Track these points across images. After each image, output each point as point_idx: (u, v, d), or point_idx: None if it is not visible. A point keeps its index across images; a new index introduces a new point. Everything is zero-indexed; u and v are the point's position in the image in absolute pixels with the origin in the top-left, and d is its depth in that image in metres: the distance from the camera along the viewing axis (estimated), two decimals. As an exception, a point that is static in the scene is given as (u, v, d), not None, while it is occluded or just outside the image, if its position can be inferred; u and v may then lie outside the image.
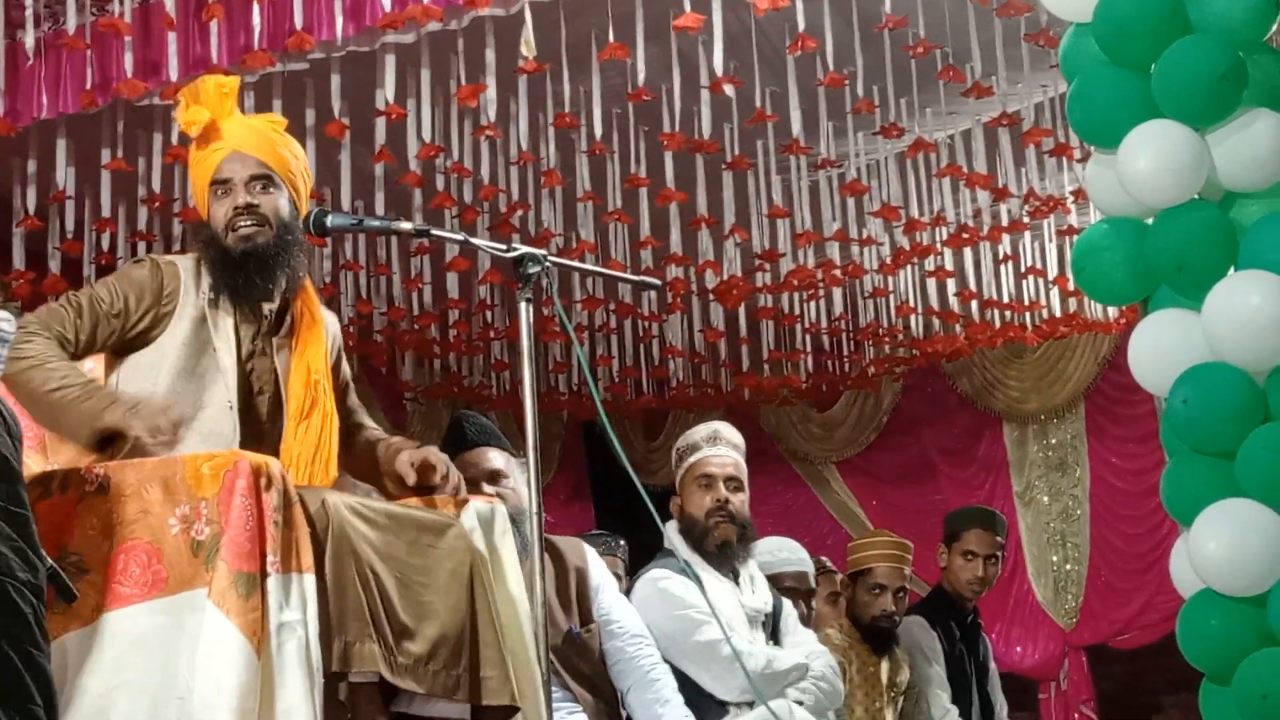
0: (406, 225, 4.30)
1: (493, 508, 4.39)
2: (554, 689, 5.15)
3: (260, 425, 4.21)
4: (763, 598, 5.94)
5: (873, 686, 6.90)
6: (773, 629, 5.97)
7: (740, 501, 5.94)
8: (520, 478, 5.59)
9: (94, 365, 4.35)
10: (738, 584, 5.88)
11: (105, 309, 4.15)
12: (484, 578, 4.17)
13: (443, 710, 4.15)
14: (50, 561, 2.06)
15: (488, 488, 5.34)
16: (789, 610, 6.13)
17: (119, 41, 6.87)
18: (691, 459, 6.00)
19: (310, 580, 3.70)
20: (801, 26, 6.79)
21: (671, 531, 5.97)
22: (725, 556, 5.87)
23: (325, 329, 4.40)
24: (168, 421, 3.92)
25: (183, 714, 3.56)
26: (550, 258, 4.28)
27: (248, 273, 4.19)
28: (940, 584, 7.60)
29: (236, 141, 4.26)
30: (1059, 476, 12.36)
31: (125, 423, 3.90)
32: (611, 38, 6.86)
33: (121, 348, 4.23)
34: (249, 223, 4.21)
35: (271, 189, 4.27)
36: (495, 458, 5.51)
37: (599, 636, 5.52)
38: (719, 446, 6.01)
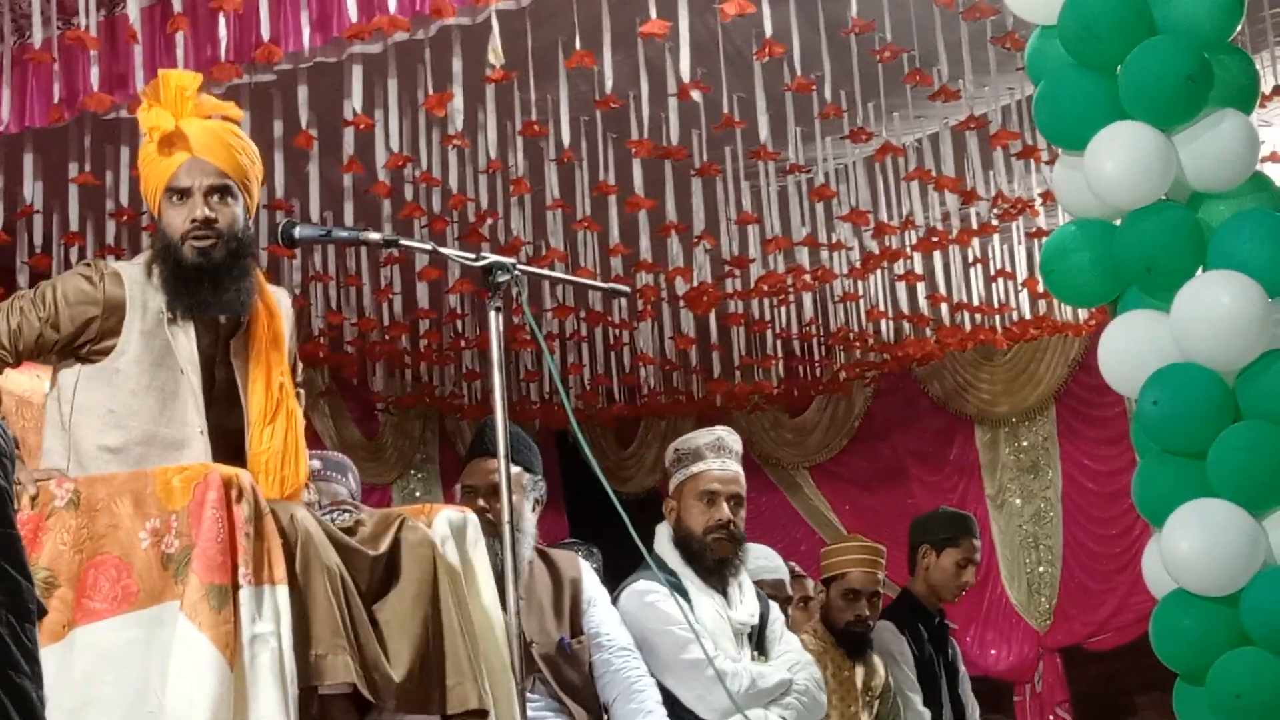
0: (375, 236, 4.29)
1: (464, 516, 4.38)
2: (541, 699, 5.18)
3: (225, 434, 4.18)
4: (750, 609, 5.91)
5: (848, 691, 6.89)
6: (759, 639, 5.95)
7: (741, 519, 5.90)
8: (529, 496, 5.58)
9: (41, 376, 4.33)
10: (726, 597, 5.85)
11: (43, 316, 4.12)
12: (456, 587, 4.16)
13: (415, 721, 4.14)
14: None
15: (481, 502, 5.34)
16: (775, 615, 6.10)
17: (85, 55, 6.84)
18: (694, 469, 5.93)
19: (283, 591, 3.69)
20: (769, 32, 6.78)
21: (663, 538, 5.93)
22: (720, 571, 5.85)
23: (282, 321, 4.37)
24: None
25: (156, 728, 3.55)
26: (519, 266, 4.28)
27: (202, 287, 4.15)
28: (907, 588, 7.62)
29: (196, 147, 4.20)
30: (1031, 479, 12.39)
31: None
32: (578, 45, 6.86)
33: (67, 354, 4.18)
34: (207, 237, 4.16)
35: (229, 199, 4.21)
36: (497, 475, 5.48)
37: (589, 648, 5.52)
38: (724, 458, 5.95)
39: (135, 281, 4.21)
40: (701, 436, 6.01)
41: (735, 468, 5.96)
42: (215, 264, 4.16)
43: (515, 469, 5.49)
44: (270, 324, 4.31)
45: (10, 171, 7.94)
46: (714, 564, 5.82)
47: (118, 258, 8.49)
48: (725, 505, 5.84)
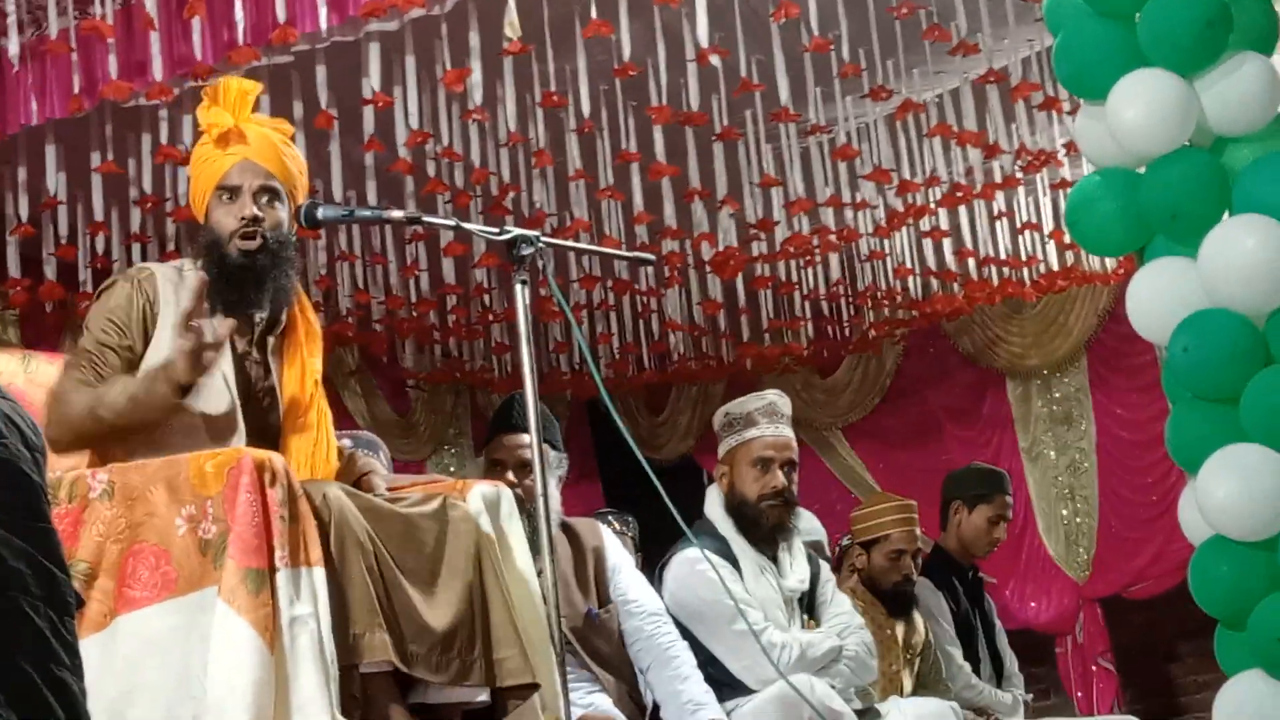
0: (397, 214, 4.31)
1: (498, 490, 4.39)
2: (573, 669, 5.18)
3: (259, 431, 4.20)
4: (800, 574, 5.92)
5: (889, 650, 6.90)
6: (810, 602, 5.95)
7: (794, 484, 5.91)
8: (556, 472, 5.59)
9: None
10: (776, 564, 5.85)
11: (120, 344, 4.16)
12: (492, 559, 4.17)
13: (460, 695, 4.15)
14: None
15: (510, 476, 5.36)
16: (826, 577, 6.11)
17: (102, 44, 6.85)
18: (747, 434, 5.92)
19: (320, 573, 3.70)
20: (784, -7, 6.78)
21: (713, 503, 5.93)
22: (773, 539, 5.85)
23: (318, 334, 4.41)
24: (195, 345, 3.89)
25: (198, 714, 3.57)
26: (543, 238, 4.28)
27: (243, 285, 4.20)
28: (939, 543, 7.62)
29: (250, 150, 4.27)
30: (1064, 430, 12.34)
31: (183, 374, 3.87)
32: (594, 14, 6.84)
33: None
34: (253, 236, 4.22)
35: (276, 203, 4.28)
36: (526, 450, 5.50)
37: (617, 617, 5.52)
38: (776, 423, 5.95)
39: (168, 280, 4.28)
40: (753, 401, 6.00)
41: (788, 432, 5.97)
42: (258, 264, 4.21)
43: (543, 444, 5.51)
44: (308, 330, 4.36)
45: (33, 164, 7.96)
46: (768, 530, 5.83)
47: (143, 245, 8.53)
48: (780, 471, 5.84)
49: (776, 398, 6.03)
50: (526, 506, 5.35)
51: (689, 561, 5.73)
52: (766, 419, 5.92)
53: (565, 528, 5.64)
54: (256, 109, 4.43)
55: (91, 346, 4.16)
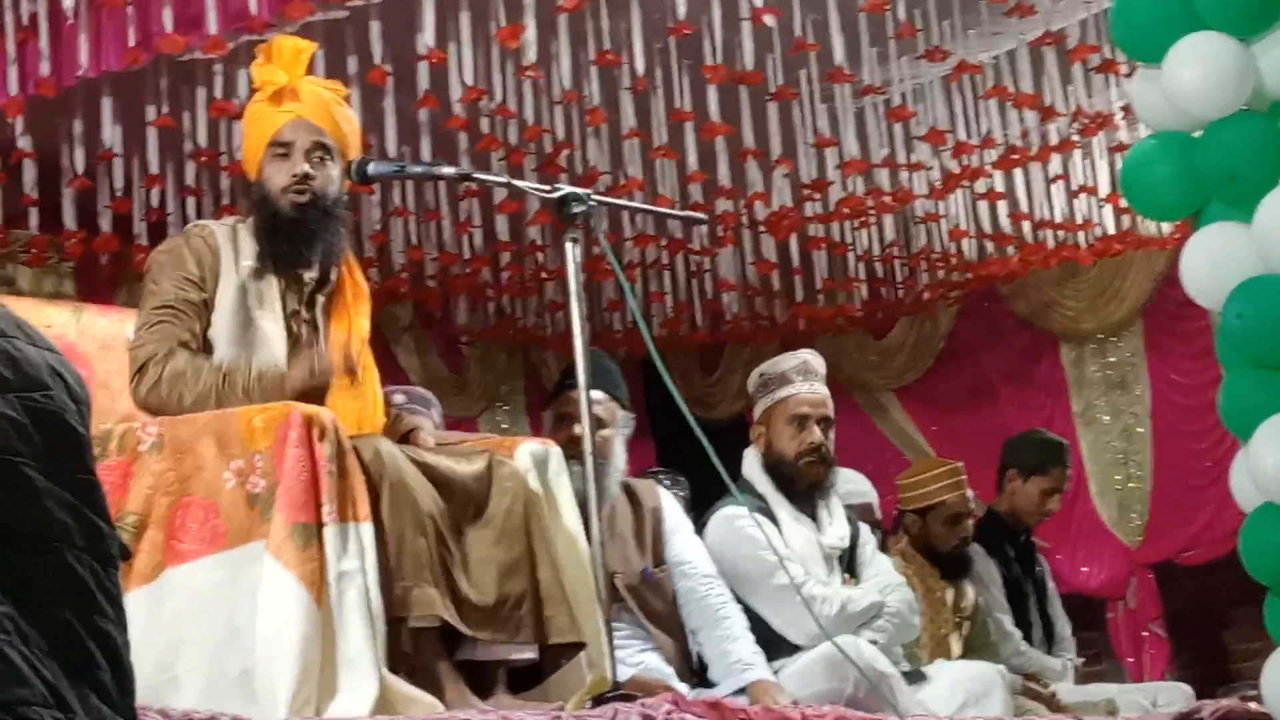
0: (449, 170, 4.32)
1: (546, 448, 4.40)
2: (627, 627, 5.19)
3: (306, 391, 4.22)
4: (839, 532, 5.91)
5: (937, 613, 6.89)
6: (850, 562, 5.95)
7: (831, 441, 5.91)
8: (622, 430, 5.60)
9: (123, 320, 4.37)
10: (816, 521, 5.85)
11: (193, 297, 4.18)
12: (540, 517, 4.18)
13: (507, 653, 4.17)
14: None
15: (576, 430, 5.37)
16: (866, 538, 6.11)
17: (158, -2, 6.87)
18: (781, 393, 5.92)
19: (368, 528, 3.71)
20: (841, -48, 6.74)
21: (751, 463, 5.93)
22: (811, 496, 5.86)
23: (365, 295, 4.43)
24: (325, 363, 3.96)
25: (246, 666, 3.59)
26: (593, 196, 4.27)
27: (294, 240, 4.21)
28: (991, 507, 7.59)
29: (304, 107, 4.28)
30: (1119, 395, 12.28)
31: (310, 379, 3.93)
32: (650, -28, 6.84)
33: None
34: (304, 192, 4.23)
35: (328, 161, 4.30)
36: (597, 406, 5.50)
37: (671, 577, 5.53)
38: (811, 381, 5.94)
39: (224, 238, 4.30)
40: (787, 360, 6.00)
41: (823, 390, 5.96)
42: (309, 220, 4.22)
43: (611, 402, 5.52)
44: (355, 290, 4.37)
45: (89, 116, 7.98)
46: (806, 488, 5.83)
47: (198, 199, 8.56)
48: (816, 428, 5.83)
49: (810, 356, 6.02)
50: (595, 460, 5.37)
51: (728, 519, 5.74)
52: (801, 377, 5.92)
53: (625, 487, 5.65)
54: (311, 67, 4.43)
55: (172, 301, 4.17)
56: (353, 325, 4.31)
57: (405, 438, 4.37)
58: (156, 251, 4.36)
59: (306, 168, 4.23)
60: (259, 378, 4.03)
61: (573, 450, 4.72)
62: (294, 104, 4.27)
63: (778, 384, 5.94)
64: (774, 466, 5.86)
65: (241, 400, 3.96)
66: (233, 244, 4.29)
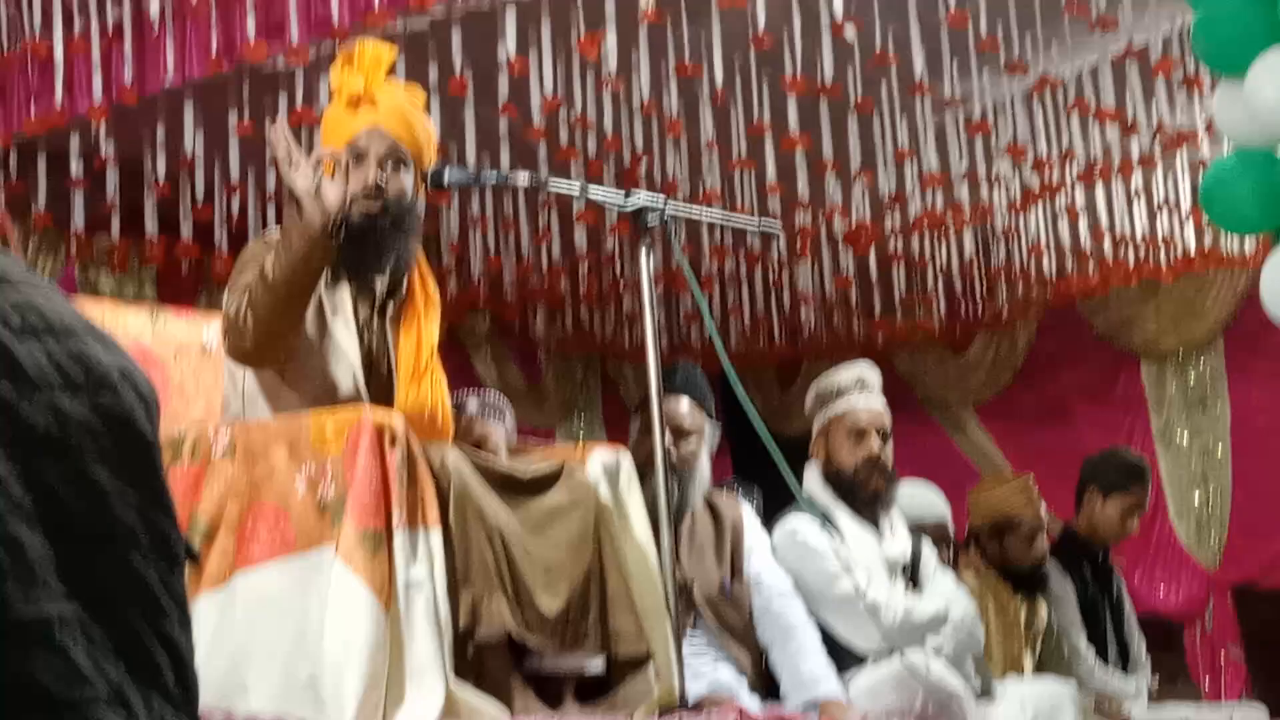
0: (523, 178, 4.30)
1: (618, 457, 4.39)
2: (702, 639, 5.20)
3: (376, 397, 4.20)
4: (902, 545, 5.91)
5: (1010, 630, 6.84)
6: (913, 575, 5.94)
7: (889, 452, 5.90)
8: (709, 442, 5.62)
9: (196, 323, 4.39)
10: (878, 531, 5.85)
11: None
12: (610, 527, 4.17)
13: (575, 664, 4.16)
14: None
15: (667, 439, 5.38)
16: (929, 554, 6.09)
17: (241, 6, 6.91)
18: (839, 406, 5.92)
19: (437, 535, 3.71)
20: (922, -36, 6.72)
21: (812, 477, 5.94)
22: (873, 507, 5.85)
23: (436, 303, 4.41)
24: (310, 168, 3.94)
25: (313, 672, 3.59)
26: (668, 205, 4.26)
27: (364, 248, 4.19)
28: (1070, 525, 7.54)
29: (380, 114, 4.27)
30: (1199, 414, 12.19)
31: (308, 199, 3.91)
32: (730, -17, 6.83)
33: None
34: (375, 201, 4.22)
35: (402, 169, 4.27)
36: (686, 414, 5.53)
37: (749, 592, 5.53)
38: (868, 394, 5.95)
39: None
40: (843, 373, 6.01)
41: (879, 402, 5.96)
42: (379, 227, 4.21)
43: (699, 412, 5.54)
44: (426, 298, 4.35)
45: (171, 124, 8.04)
46: (867, 498, 5.82)
47: (277, 207, 8.60)
48: (874, 439, 5.83)
49: (866, 369, 6.03)
50: (679, 471, 5.39)
51: (789, 531, 5.74)
52: (857, 390, 5.93)
53: (706, 500, 5.65)
54: (391, 74, 4.43)
55: (251, 280, 4.11)
56: (422, 333, 4.30)
57: (476, 446, 4.38)
58: (244, 252, 4.34)
59: (378, 179, 4.22)
60: (282, 238, 3.96)
61: (666, 459, 4.72)
62: (370, 110, 4.26)
63: (834, 397, 5.95)
64: (834, 478, 5.86)
65: (282, 262, 3.88)
66: None
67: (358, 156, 4.24)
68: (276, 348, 4.03)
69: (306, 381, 4.12)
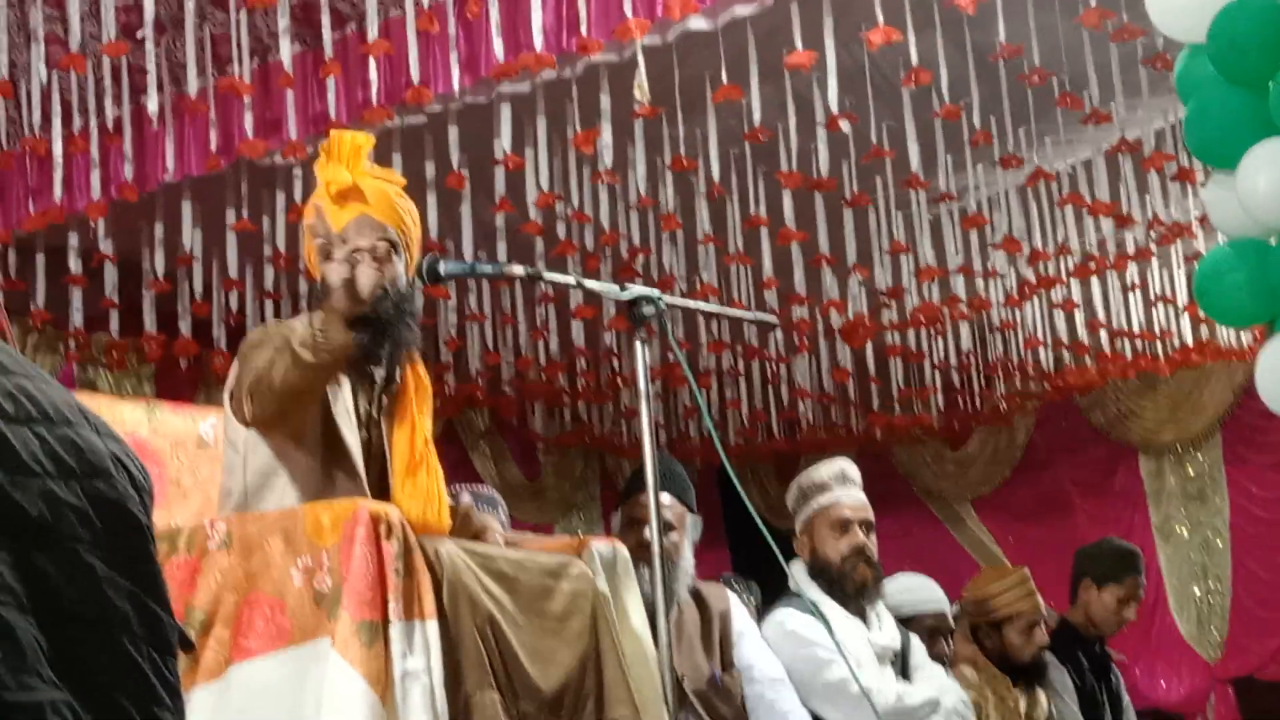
0: (519, 269, 4.30)
1: (614, 549, 4.38)
2: (694, 731, 5.18)
3: (374, 489, 4.19)
4: (890, 634, 5.90)
5: (1010, 721, 6.82)
6: (902, 665, 5.93)
7: (873, 543, 5.91)
8: (690, 534, 5.62)
9: (194, 418, 4.38)
10: (866, 622, 5.84)
11: None
12: (607, 617, 4.16)
13: (571, 754, 4.14)
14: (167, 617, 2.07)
15: (647, 534, 5.38)
16: (917, 645, 6.09)
17: (239, 102, 6.94)
18: (822, 500, 5.94)
19: (434, 626, 3.70)
20: (915, 59, 6.75)
21: (799, 573, 5.93)
22: (860, 598, 5.84)
23: (428, 389, 4.39)
24: (344, 282, 3.95)
25: (311, 763, 3.57)
26: (664, 297, 4.27)
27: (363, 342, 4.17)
28: (1066, 617, 7.52)
29: (368, 204, 4.25)
30: (1198, 507, 12.21)
31: (345, 307, 3.93)
32: (725, 79, 6.85)
33: None
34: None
35: (393, 258, 4.26)
36: (665, 510, 5.52)
37: (740, 682, 5.52)
38: (849, 487, 5.96)
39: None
40: (824, 469, 6.03)
41: (862, 496, 5.99)
42: (379, 316, 4.19)
43: (679, 506, 5.54)
44: (418, 386, 4.32)
45: (170, 220, 8.07)
46: (855, 590, 5.82)
47: (276, 303, 8.63)
48: (858, 530, 5.84)
49: (846, 464, 6.05)
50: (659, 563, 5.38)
51: (778, 624, 5.74)
52: (839, 484, 5.94)
53: (693, 591, 5.64)
54: (388, 167, 4.43)
55: (263, 363, 4.11)
56: (416, 425, 4.29)
57: (475, 537, 4.36)
58: (253, 334, 4.30)
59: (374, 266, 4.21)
60: (309, 324, 3.96)
61: (642, 553, 4.72)
62: (357, 201, 4.25)
63: (817, 492, 5.97)
64: (821, 572, 5.86)
65: (307, 347, 3.88)
66: None
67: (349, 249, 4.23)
68: (303, 410, 4.03)
69: (310, 474, 4.11)
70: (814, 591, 5.83)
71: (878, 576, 5.91)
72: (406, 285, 4.29)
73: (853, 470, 6.04)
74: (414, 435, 4.24)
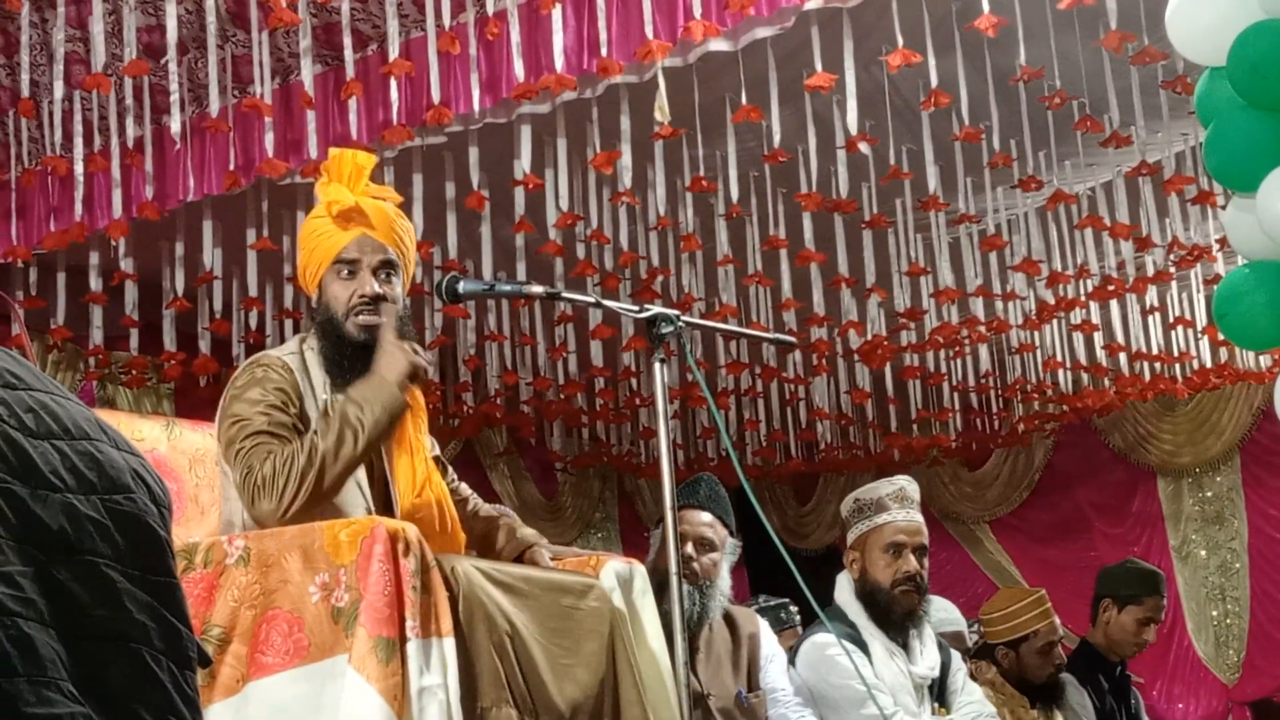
0: (537, 288, 4.30)
1: (631, 567, 4.39)
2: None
3: (381, 507, 4.19)
4: (930, 661, 5.86)
5: (1027, 744, 6.81)
6: (941, 689, 5.90)
7: (925, 569, 5.86)
8: (727, 555, 5.63)
9: (211, 435, 4.39)
10: (907, 650, 5.81)
11: (285, 413, 4.16)
12: (624, 636, 4.17)
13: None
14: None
15: (689, 550, 5.41)
16: (958, 665, 6.05)
17: (260, 122, 6.96)
18: (878, 520, 5.87)
19: (450, 644, 3.70)
20: (935, 82, 6.75)
21: (844, 589, 5.89)
22: (906, 623, 5.81)
23: (423, 409, 4.40)
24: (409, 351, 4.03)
25: (326, 780, 3.58)
26: (683, 317, 4.28)
27: (364, 364, 4.18)
28: (1086, 639, 7.51)
29: (368, 224, 4.25)
30: (1216, 529, 12.19)
31: (401, 371, 3.99)
32: (745, 100, 6.85)
33: None
34: (372, 313, 4.20)
35: (394, 278, 4.26)
36: (707, 529, 5.54)
37: (764, 704, 5.53)
38: (908, 509, 5.90)
39: (298, 369, 4.26)
40: (884, 487, 5.95)
41: (918, 518, 5.92)
42: (378, 340, 4.19)
43: (721, 527, 5.56)
44: (415, 408, 4.32)
45: (190, 239, 8.10)
46: (900, 616, 5.77)
47: (295, 321, 8.64)
48: (912, 556, 5.78)
49: (906, 483, 5.98)
50: (700, 582, 5.40)
51: (818, 647, 5.70)
52: (897, 504, 5.88)
53: (724, 613, 5.65)
54: (408, 189, 4.44)
55: (261, 425, 4.07)
56: (414, 445, 4.29)
57: (523, 555, 4.39)
58: (233, 387, 4.28)
59: (375, 287, 4.20)
60: (354, 391, 4.00)
61: (683, 570, 4.74)
62: (359, 220, 4.25)
63: (874, 510, 5.90)
64: (868, 595, 5.80)
65: (353, 419, 3.93)
66: (305, 374, 4.25)
67: (350, 267, 4.23)
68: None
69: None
70: (857, 612, 5.79)
71: (926, 602, 5.87)
72: (404, 304, 4.31)
73: (913, 490, 5.98)
74: (414, 458, 4.25)
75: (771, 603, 8.20)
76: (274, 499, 3.94)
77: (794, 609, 8.16)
